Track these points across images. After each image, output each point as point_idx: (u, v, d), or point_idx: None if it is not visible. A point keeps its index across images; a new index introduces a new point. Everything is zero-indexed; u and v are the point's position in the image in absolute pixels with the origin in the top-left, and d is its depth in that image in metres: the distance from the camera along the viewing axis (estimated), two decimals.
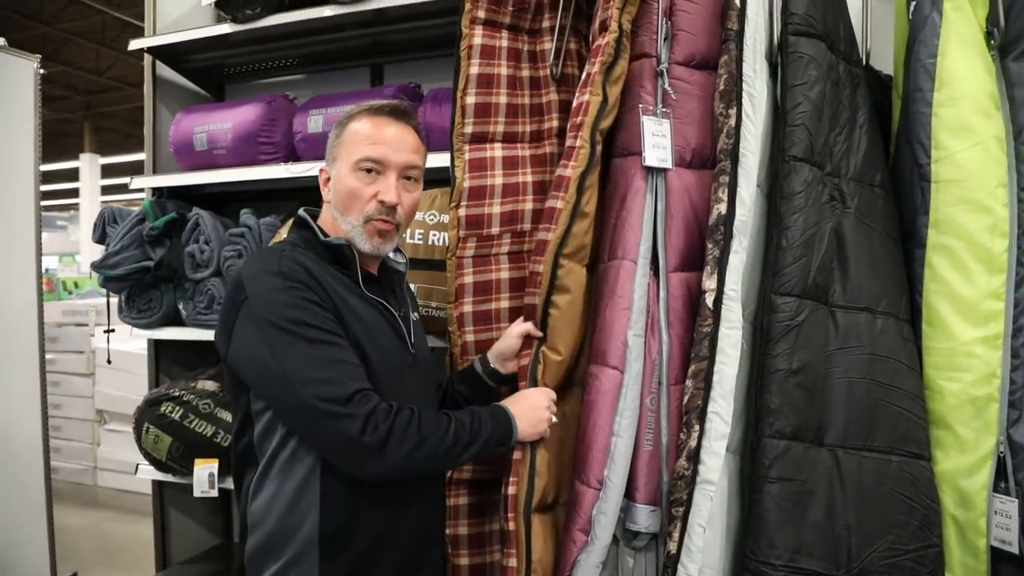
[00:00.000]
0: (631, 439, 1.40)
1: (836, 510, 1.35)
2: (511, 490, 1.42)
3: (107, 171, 14.22)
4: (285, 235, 1.48)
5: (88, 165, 14.01)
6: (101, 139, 14.67)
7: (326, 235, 1.38)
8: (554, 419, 1.43)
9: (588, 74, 1.50)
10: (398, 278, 1.50)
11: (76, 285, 8.67)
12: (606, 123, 1.48)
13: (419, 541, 1.38)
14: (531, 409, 1.41)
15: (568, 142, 1.49)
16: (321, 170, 1.43)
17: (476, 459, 1.47)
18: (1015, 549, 1.35)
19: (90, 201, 14.00)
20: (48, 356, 5.05)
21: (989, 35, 1.44)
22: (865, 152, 1.53)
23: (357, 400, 1.20)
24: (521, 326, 1.52)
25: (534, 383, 1.46)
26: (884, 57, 1.75)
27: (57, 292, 8.20)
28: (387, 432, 1.20)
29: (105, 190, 14.50)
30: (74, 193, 15.30)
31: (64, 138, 15.62)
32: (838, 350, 1.41)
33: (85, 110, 14.18)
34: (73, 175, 14.53)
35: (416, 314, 1.53)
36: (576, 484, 1.44)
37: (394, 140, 1.36)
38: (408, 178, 1.38)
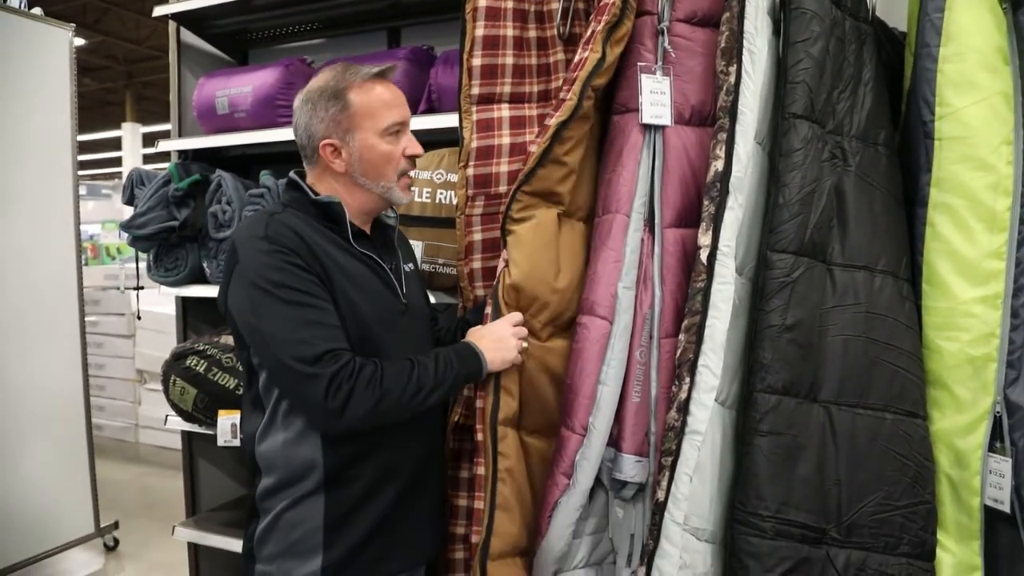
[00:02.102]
0: (617, 388, 1.44)
1: (827, 465, 1.37)
2: (479, 403, 1.50)
3: (149, 140, 14.51)
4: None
5: (130, 134, 14.31)
6: (142, 108, 14.95)
7: (316, 194, 1.44)
8: (524, 344, 1.48)
9: (592, 32, 1.51)
10: (391, 232, 1.57)
11: (119, 251, 8.93)
12: (600, 80, 1.49)
13: (419, 469, 1.46)
14: (496, 340, 1.46)
15: (562, 95, 1.52)
16: (326, 144, 1.41)
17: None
18: (1007, 508, 1.36)
19: None
20: (91, 319, 5.30)
21: None
22: (870, 110, 1.51)
23: (326, 360, 1.26)
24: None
25: (496, 310, 1.51)
26: (901, 14, 1.72)
27: (101, 257, 8.48)
28: (349, 392, 1.26)
29: (148, 159, 14.80)
30: (119, 162, 15.65)
31: (108, 107, 15.97)
32: (835, 307, 1.41)
33: (127, 79, 14.44)
34: (118, 144, 14.87)
35: (411, 266, 1.60)
36: (561, 430, 1.48)
37: (402, 100, 1.46)
38: None
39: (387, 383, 1.29)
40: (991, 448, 1.38)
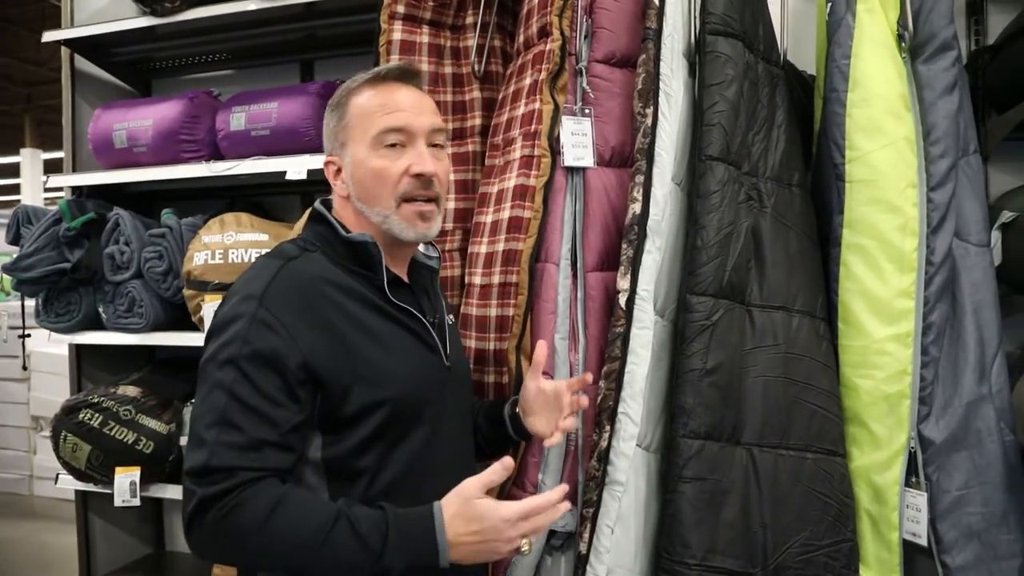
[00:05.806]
0: (564, 444, 1.39)
1: (751, 508, 1.36)
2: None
3: (53, 167, 13.81)
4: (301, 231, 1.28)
5: (29, 160, 13.55)
6: (43, 133, 14.20)
7: (347, 230, 1.19)
8: (524, 546, 1.05)
9: (535, 81, 1.51)
10: (430, 276, 1.30)
11: None
12: (557, 129, 1.48)
13: None
14: (480, 539, 1.03)
15: (523, 151, 1.50)
16: (327, 162, 1.22)
17: None
18: (924, 541, 1.38)
19: (32, 198, 13.49)
20: None
21: (900, 38, 1.45)
22: (783, 151, 1.54)
23: (213, 477, 1.01)
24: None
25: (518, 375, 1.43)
26: (809, 57, 1.77)
27: None
28: (214, 524, 1.01)
29: (50, 187, 14.05)
30: (18, 189, 14.79)
31: (5, 131, 15.10)
32: (754, 349, 1.42)
33: (26, 102, 13.73)
34: (17, 171, 14.05)
35: (452, 317, 1.35)
36: (513, 490, 1.44)
37: (412, 104, 1.19)
38: (435, 145, 1.21)
39: (271, 531, 1.00)
40: (907, 483, 1.41)
